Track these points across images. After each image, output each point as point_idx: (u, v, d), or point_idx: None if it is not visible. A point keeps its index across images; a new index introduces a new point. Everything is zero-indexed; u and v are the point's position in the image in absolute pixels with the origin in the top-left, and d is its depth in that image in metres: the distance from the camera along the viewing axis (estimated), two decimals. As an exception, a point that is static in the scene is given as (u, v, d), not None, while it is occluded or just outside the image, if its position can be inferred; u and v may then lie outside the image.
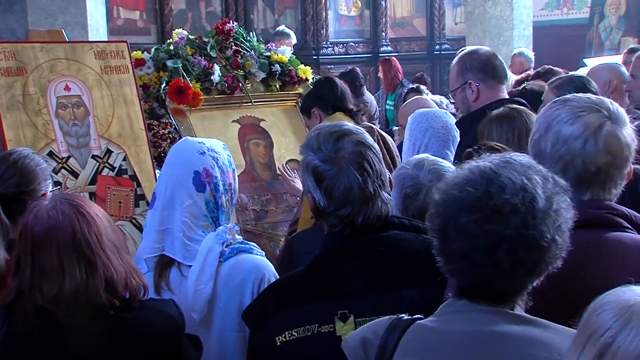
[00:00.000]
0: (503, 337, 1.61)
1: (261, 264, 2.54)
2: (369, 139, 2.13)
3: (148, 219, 2.59)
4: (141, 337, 2.15)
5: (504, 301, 1.67)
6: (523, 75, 7.00)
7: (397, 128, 6.11)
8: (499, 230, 1.59)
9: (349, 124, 2.21)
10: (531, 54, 9.36)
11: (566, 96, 2.09)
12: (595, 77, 4.64)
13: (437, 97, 5.84)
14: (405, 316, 1.75)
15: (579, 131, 1.96)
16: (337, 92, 4.16)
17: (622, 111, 2.04)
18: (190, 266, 2.48)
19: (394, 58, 9.68)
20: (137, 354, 2.15)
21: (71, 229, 2.09)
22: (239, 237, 2.58)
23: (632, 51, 5.78)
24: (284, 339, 2.02)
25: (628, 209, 2.05)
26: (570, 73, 4.78)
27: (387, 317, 1.79)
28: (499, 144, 2.88)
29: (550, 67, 6.12)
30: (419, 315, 1.76)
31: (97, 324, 2.10)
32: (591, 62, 6.91)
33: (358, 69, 8.89)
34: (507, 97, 3.94)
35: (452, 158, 3.59)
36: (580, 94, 2.11)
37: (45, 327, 2.08)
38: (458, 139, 3.74)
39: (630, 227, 2.00)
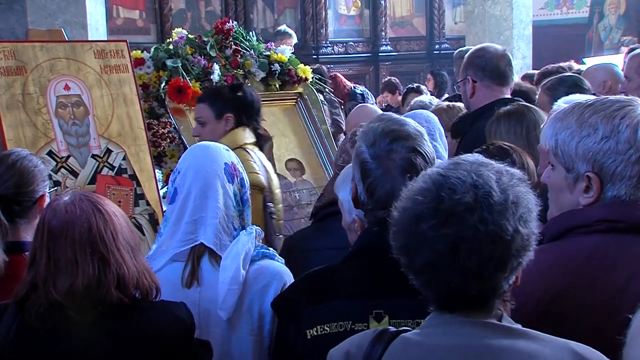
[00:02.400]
0: (491, 351, 1.57)
1: (283, 270, 2.57)
2: (425, 146, 2.09)
3: (167, 214, 2.59)
4: (149, 338, 2.15)
5: (483, 307, 1.63)
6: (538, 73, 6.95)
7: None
8: (457, 232, 1.55)
9: (411, 123, 2.15)
10: None
11: (603, 98, 2.04)
12: (590, 78, 4.66)
13: (427, 98, 5.71)
14: (392, 328, 1.72)
15: None
16: (259, 113, 3.86)
17: None
18: (219, 257, 2.49)
19: (337, 74, 9.22)
20: (144, 355, 2.15)
21: (87, 224, 2.10)
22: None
23: (632, 51, 5.78)
24: (315, 333, 2.00)
25: None
26: (562, 74, 4.77)
27: (372, 329, 1.77)
28: (506, 143, 2.86)
29: (561, 65, 6.14)
30: (405, 327, 1.74)
31: (107, 322, 2.11)
32: (591, 62, 6.92)
33: (324, 67, 8.61)
34: (508, 97, 3.94)
35: (442, 151, 3.57)
36: (604, 96, 2.05)
37: (57, 322, 2.08)
38: (443, 132, 3.72)
39: None
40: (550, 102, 3.96)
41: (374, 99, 8.71)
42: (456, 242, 1.56)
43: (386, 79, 9.86)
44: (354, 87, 8.76)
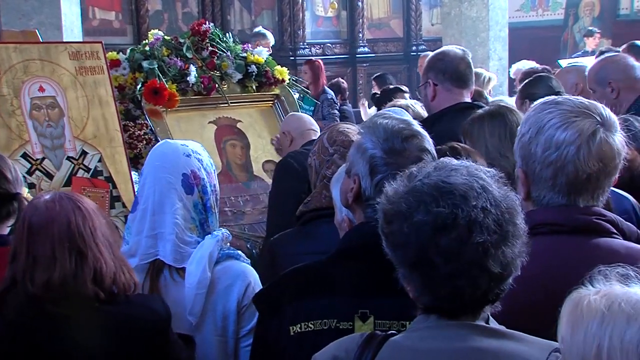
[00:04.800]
0: (482, 354, 1.57)
1: (247, 271, 2.56)
2: (429, 145, 2.12)
3: (129, 223, 2.58)
4: (125, 330, 2.18)
5: (473, 310, 1.63)
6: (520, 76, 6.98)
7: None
8: (483, 240, 1.54)
9: (414, 122, 2.17)
10: None
11: (558, 98, 2.03)
12: (563, 80, 4.69)
13: (404, 102, 5.59)
14: (379, 332, 1.70)
15: (572, 137, 1.90)
16: None
17: (613, 116, 1.98)
18: (180, 269, 2.48)
19: (319, 60, 8.89)
20: (120, 347, 2.17)
21: (66, 220, 2.14)
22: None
23: (602, 53, 5.84)
24: (298, 330, 1.97)
25: (615, 215, 2.01)
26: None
27: (359, 333, 1.74)
28: (459, 144, 2.86)
29: (546, 67, 6.19)
30: (393, 331, 1.72)
31: (82, 315, 2.13)
32: (566, 63, 6.98)
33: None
34: (468, 100, 3.97)
35: None
36: (571, 97, 2.05)
37: (35, 315, 2.12)
38: None
39: (617, 233, 1.97)
40: (521, 99, 4.01)
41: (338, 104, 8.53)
42: (484, 250, 1.55)
43: (334, 80, 9.54)
44: (328, 87, 8.66)
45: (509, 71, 8.66)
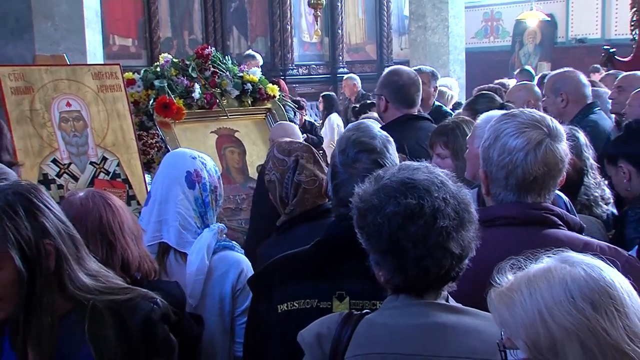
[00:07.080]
0: (443, 328, 1.58)
1: (241, 260, 2.57)
2: (387, 158, 2.07)
3: (142, 215, 2.59)
4: None
5: (434, 289, 1.64)
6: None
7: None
8: (445, 225, 1.57)
9: (379, 138, 2.10)
10: (357, 78, 9.71)
11: (514, 111, 2.06)
12: (515, 97, 4.70)
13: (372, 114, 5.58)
14: (355, 311, 1.71)
15: (522, 145, 1.92)
16: None
17: (559, 127, 2.00)
18: (183, 253, 2.50)
19: (280, 80, 8.28)
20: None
21: (99, 215, 2.14)
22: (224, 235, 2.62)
23: (544, 77, 5.88)
24: (285, 308, 1.99)
25: (561, 210, 2.04)
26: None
27: (338, 313, 1.76)
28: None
29: (502, 82, 6.19)
30: (367, 310, 1.74)
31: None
32: (512, 83, 7.03)
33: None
34: (413, 113, 3.99)
35: None
36: (526, 110, 2.06)
37: None
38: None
39: (562, 225, 2.00)
40: (472, 115, 4.02)
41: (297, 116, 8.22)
42: (447, 234, 1.57)
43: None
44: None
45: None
